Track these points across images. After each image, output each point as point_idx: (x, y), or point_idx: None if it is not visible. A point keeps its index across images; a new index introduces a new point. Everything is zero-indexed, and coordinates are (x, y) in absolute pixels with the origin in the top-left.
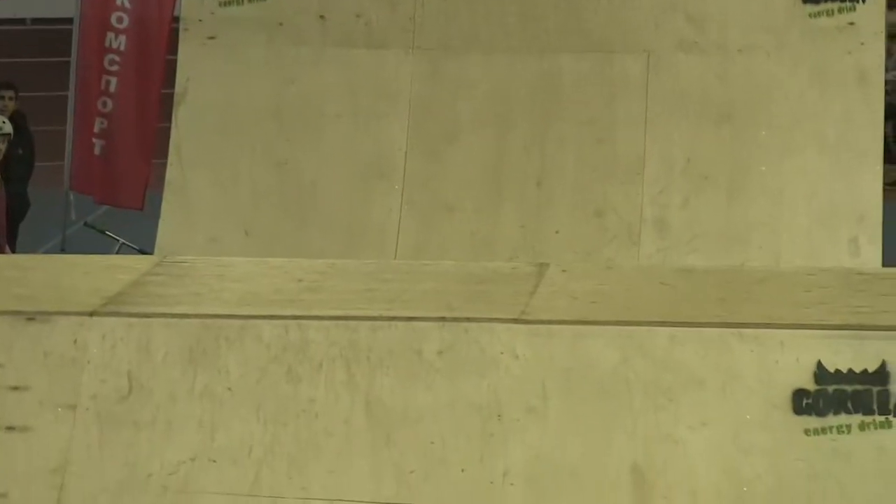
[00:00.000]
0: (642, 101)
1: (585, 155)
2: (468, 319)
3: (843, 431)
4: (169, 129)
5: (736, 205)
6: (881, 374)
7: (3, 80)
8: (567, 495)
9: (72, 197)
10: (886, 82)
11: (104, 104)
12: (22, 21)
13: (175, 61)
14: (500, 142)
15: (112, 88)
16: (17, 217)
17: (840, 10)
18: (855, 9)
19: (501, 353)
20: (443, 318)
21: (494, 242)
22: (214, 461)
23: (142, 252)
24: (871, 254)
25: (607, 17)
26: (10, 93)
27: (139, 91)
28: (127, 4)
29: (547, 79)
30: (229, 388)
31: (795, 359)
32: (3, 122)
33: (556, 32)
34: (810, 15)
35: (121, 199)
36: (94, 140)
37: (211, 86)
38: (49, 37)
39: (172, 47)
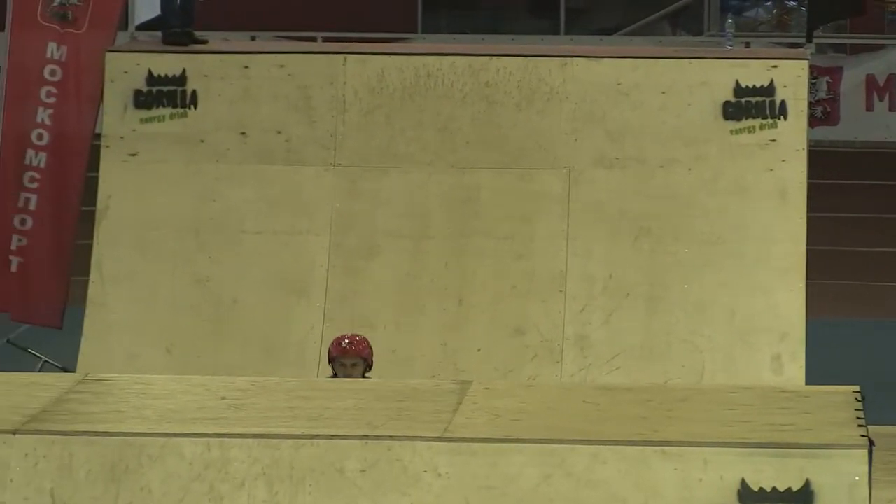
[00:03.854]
0: (562, 217)
1: (505, 271)
2: (390, 437)
3: None
4: (89, 245)
5: (657, 321)
6: (805, 492)
7: None
8: None
9: None
10: None
11: (23, 221)
12: None
13: (95, 178)
14: (420, 258)
15: (31, 206)
16: None
17: (762, 127)
18: (777, 125)
19: (424, 471)
20: (365, 436)
21: (415, 360)
22: None
23: (64, 370)
24: (794, 371)
25: (525, 131)
26: None
27: (58, 208)
28: (48, 122)
29: (465, 194)
30: None
31: (719, 477)
32: None
33: (474, 147)
34: (732, 131)
35: (37, 318)
36: (10, 257)
37: (132, 202)
38: None
39: (93, 164)
